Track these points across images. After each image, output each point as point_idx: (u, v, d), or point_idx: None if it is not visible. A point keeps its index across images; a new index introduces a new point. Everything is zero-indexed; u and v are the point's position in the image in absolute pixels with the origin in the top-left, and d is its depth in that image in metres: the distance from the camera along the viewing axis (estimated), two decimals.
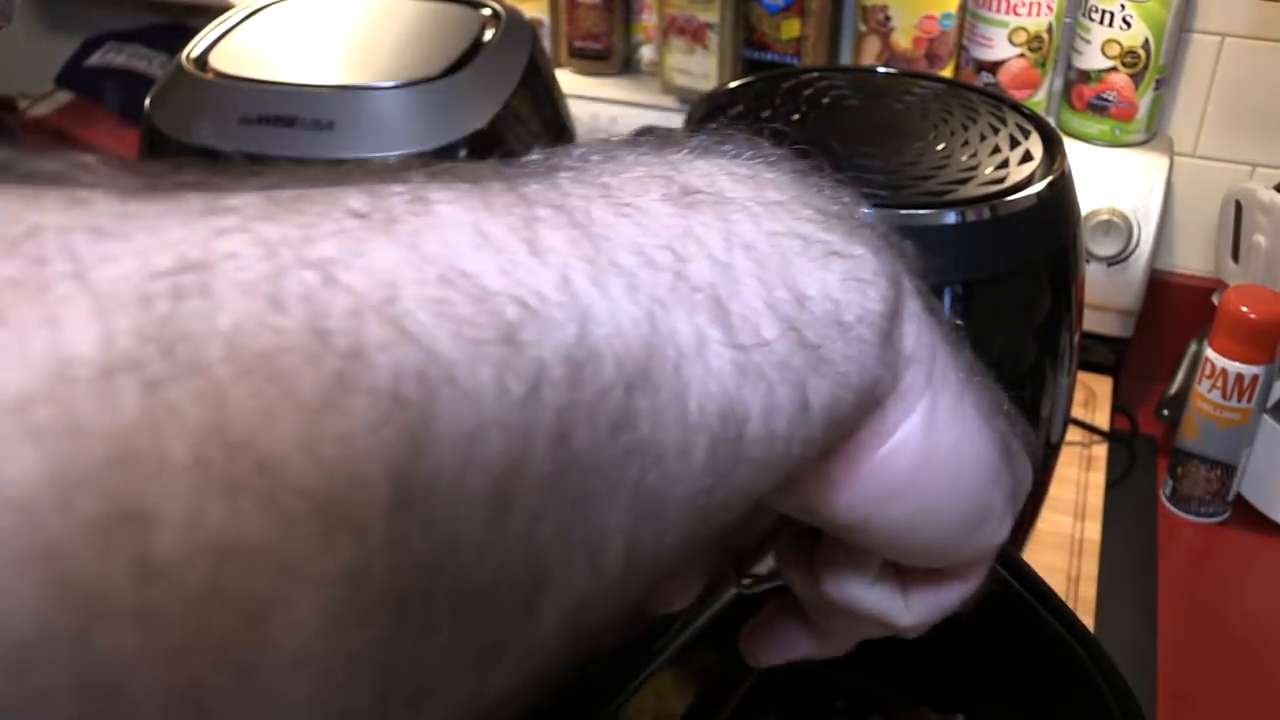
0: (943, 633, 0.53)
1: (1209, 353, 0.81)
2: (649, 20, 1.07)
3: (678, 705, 0.51)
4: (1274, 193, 0.88)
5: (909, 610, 0.30)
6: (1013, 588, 0.46)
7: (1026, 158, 0.65)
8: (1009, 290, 0.63)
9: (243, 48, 0.70)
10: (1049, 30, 0.92)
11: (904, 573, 0.30)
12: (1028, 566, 0.47)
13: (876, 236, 0.24)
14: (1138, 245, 0.92)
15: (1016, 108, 0.70)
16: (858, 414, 0.23)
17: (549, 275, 0.18)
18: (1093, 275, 0.91)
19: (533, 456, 0.16)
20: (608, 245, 0.19)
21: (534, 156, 0.22)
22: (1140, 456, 0.93)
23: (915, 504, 0.25)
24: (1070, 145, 0.75)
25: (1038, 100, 0.95)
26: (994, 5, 0.91)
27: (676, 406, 0.19)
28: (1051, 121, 0.71)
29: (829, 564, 0.30)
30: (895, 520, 0.25)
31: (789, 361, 0.21)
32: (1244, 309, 0.78)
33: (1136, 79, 0.91)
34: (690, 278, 0.20)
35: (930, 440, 0.24)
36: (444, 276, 0.16)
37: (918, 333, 0.24)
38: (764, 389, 0.20)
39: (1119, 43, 0.90)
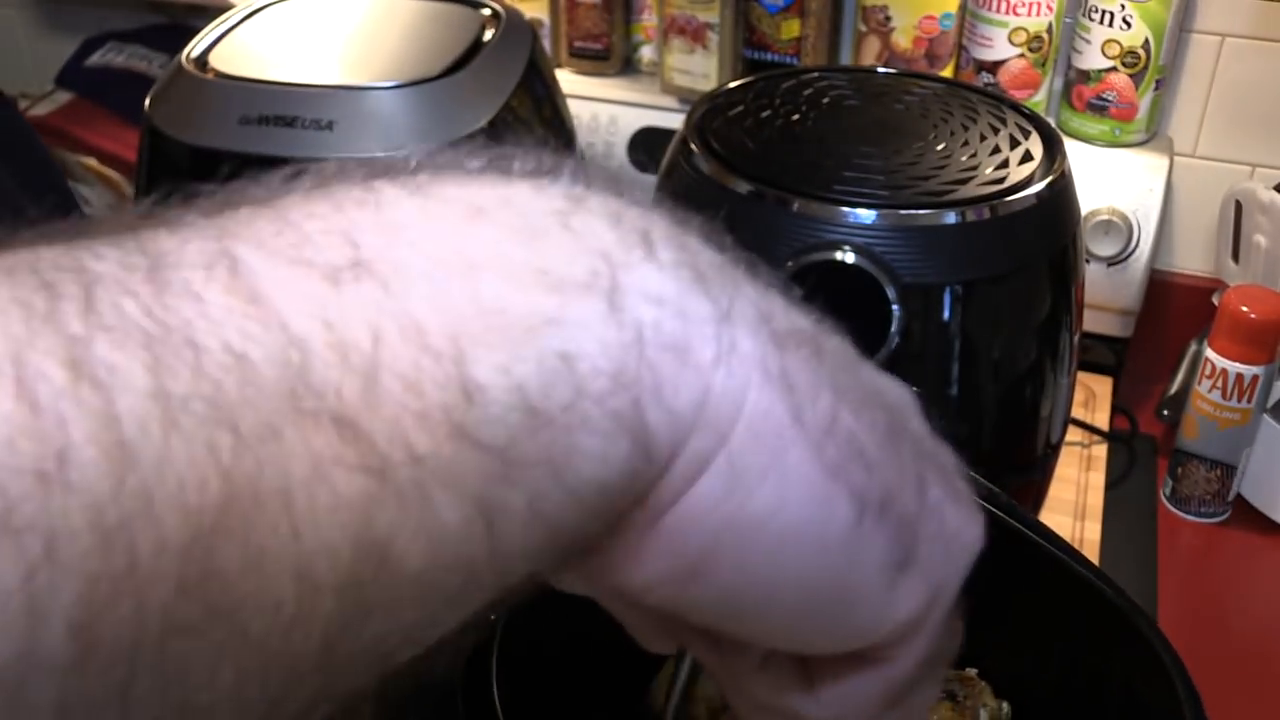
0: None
1: (1209, 353, 0.81)
2: (649, 20, 1.07)
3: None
4: (1274, 193, 0.88)
5: (819, 703, 0.25)
6: (1030, 540, 0.46)
7: (1026, 158, 0.65)
8: (1009, 290, 0.63)
9: (243, 48, 0.70)
10: (1049, 30, 0.92)
11: (809, 660, 0.25)
12: (1032, 517, 0.47)
13: (657, 257, 0.20)
14: (1138, 245, 0.92)
15: (1016, 108, 0.70)
16: (608, 499, 0.19)
17: (79, 419, 0.14)
18: (1093, 275, 0.91)
19: (45, 646, 0.14)
20: (185, 352, 0.15)
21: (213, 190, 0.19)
22: (1140, 456, 0.93)
23: (726, 581, 0.21)
24: (1070, 145, 0.75)
25: (1038, 100, 0.95)
26: (994, 5, 0.91)
27: (282, 551, 0.16)
28: (1051, 121, 0.71)
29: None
30: (706, 601, 0.21)
31: (456, 473, 0.17)
32: (1244, 309, 0.78)
33: (1136, 79, 0.91)
34: (313, 385, 0.16)
35: (732, 504, 0.20)
36: None
37: (722, 382, 0.20)
38: (418, 514, 0.17)
39: (1119, 43, 0.90)
